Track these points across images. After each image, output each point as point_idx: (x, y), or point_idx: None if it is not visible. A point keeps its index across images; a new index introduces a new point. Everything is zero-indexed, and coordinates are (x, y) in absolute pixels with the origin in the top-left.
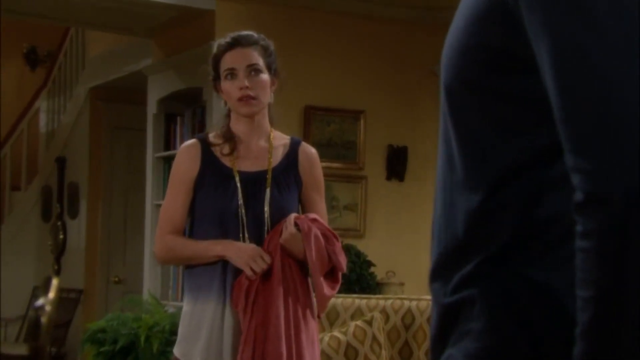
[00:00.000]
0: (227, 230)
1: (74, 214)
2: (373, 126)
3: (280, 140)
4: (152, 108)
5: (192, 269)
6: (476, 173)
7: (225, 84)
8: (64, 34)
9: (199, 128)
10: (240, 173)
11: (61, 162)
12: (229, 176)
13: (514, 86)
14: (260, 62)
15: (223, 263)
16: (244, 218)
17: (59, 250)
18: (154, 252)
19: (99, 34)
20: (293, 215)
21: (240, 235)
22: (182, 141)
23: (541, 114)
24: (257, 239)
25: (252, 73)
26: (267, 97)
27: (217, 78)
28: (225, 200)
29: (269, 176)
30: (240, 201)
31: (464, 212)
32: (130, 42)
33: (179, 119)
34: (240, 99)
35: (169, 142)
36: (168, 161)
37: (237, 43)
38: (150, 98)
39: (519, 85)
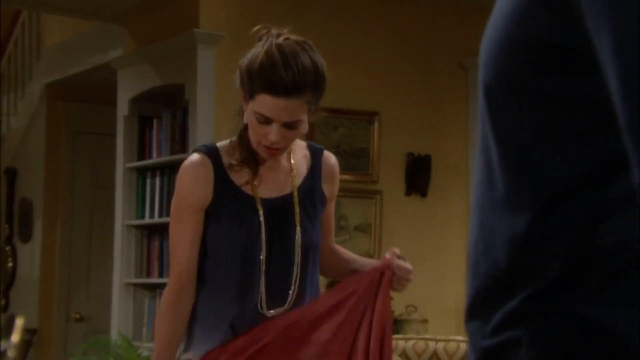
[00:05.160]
0: (241, 276)
1: (26, 237)
2: (389, 131)
3: (300, 150)
4: (122, 109)
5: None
6: (521, 191)
7: (252, 120)
8: (13, 18)
9: (179, 133)
10: (263, 201)
11: (11, 175)
12: (250, 207)
13: (568, 87)
14: (303, 115)
15: (236, 310)
16: (265, 261)
17: (8, 280)
18: (164, 297)
19: (57, 19)
20: (393, 254)
21: (260, 283)
22: (158, 148)
23: (601, 121)
24: (280, 286)
25: (290, 127)
26: (294, 141)
27: (243, 89)
28: (246, 239)
29: (296, 204)
30: (264, 238)
31: (507, 238)
32: (95, 28)
33: (155, 122)
34: (265, 147)
35: (143, 150)
36: (142, 173)
37: (283, 90)
38: (121, 97)
39: (574, 87)
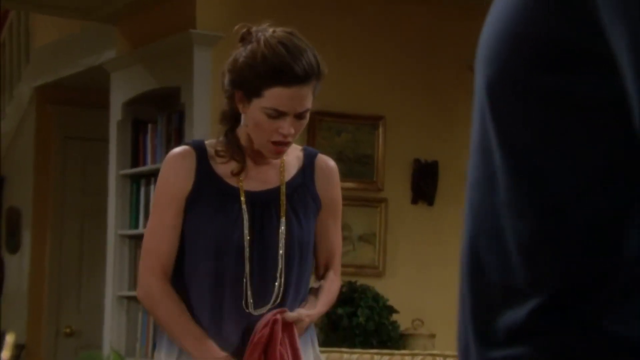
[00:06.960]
0: (223, 268)
1: (14, 248)
2: (395, 136)
3: (292, 152)
4: (115, 113)
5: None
6: (528, 195)
7: (261, 117)
8: (1, 18)
9: (175, 138)
10: (247, 193)
11: None
12: (233, 197)
13: (577, 88)
14: (310, 103)
15: (218, 305)
16: (249, 252)
17: None
18: (137, 294)
19: (46, 20)
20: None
21: (244, 276)
22: (153, 154)
23: (615, 125)
24: (266, 280)
25: (300, 117)
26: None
27: (241, 89)
28: (226, 228)
29: (282, 196)
30: (246, 230)
31: (512, 244)
32: (87, 29)
33: (150, 126)
34: (275, 143)
35: (137, 156)
36: (136, 180)
37: (295, 79)
38: (114, 100)
39: (584, 87)
